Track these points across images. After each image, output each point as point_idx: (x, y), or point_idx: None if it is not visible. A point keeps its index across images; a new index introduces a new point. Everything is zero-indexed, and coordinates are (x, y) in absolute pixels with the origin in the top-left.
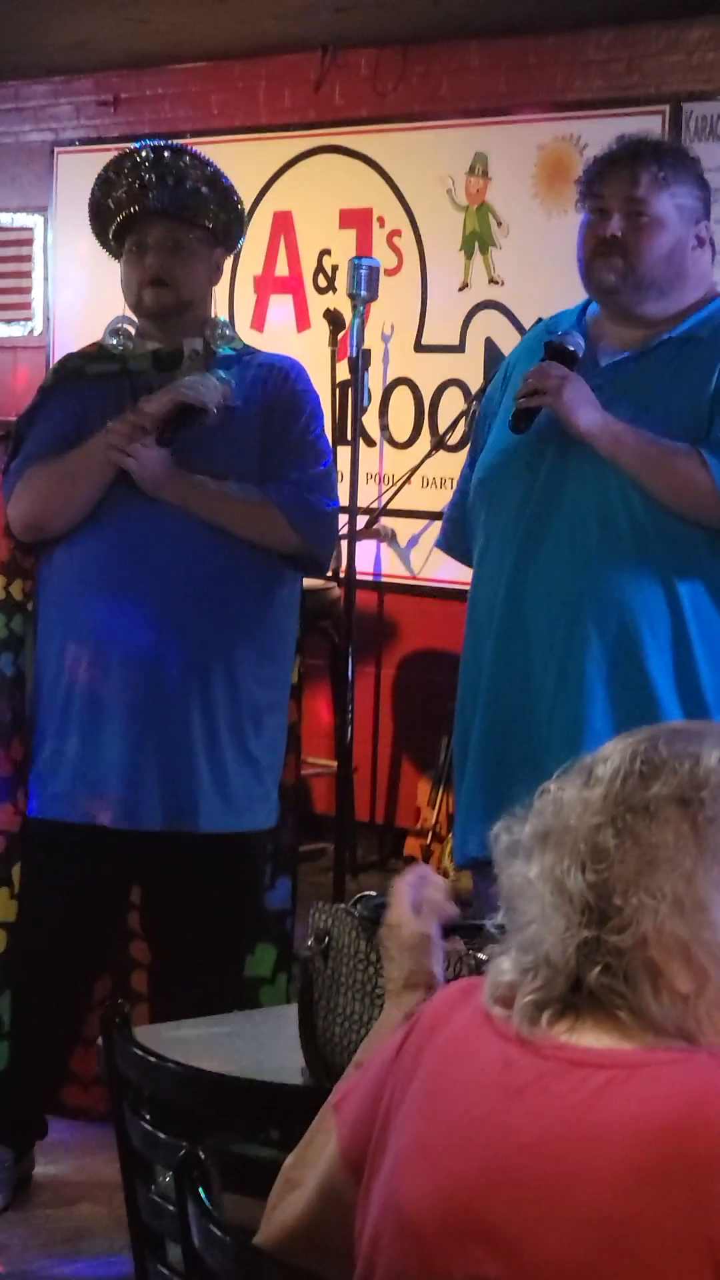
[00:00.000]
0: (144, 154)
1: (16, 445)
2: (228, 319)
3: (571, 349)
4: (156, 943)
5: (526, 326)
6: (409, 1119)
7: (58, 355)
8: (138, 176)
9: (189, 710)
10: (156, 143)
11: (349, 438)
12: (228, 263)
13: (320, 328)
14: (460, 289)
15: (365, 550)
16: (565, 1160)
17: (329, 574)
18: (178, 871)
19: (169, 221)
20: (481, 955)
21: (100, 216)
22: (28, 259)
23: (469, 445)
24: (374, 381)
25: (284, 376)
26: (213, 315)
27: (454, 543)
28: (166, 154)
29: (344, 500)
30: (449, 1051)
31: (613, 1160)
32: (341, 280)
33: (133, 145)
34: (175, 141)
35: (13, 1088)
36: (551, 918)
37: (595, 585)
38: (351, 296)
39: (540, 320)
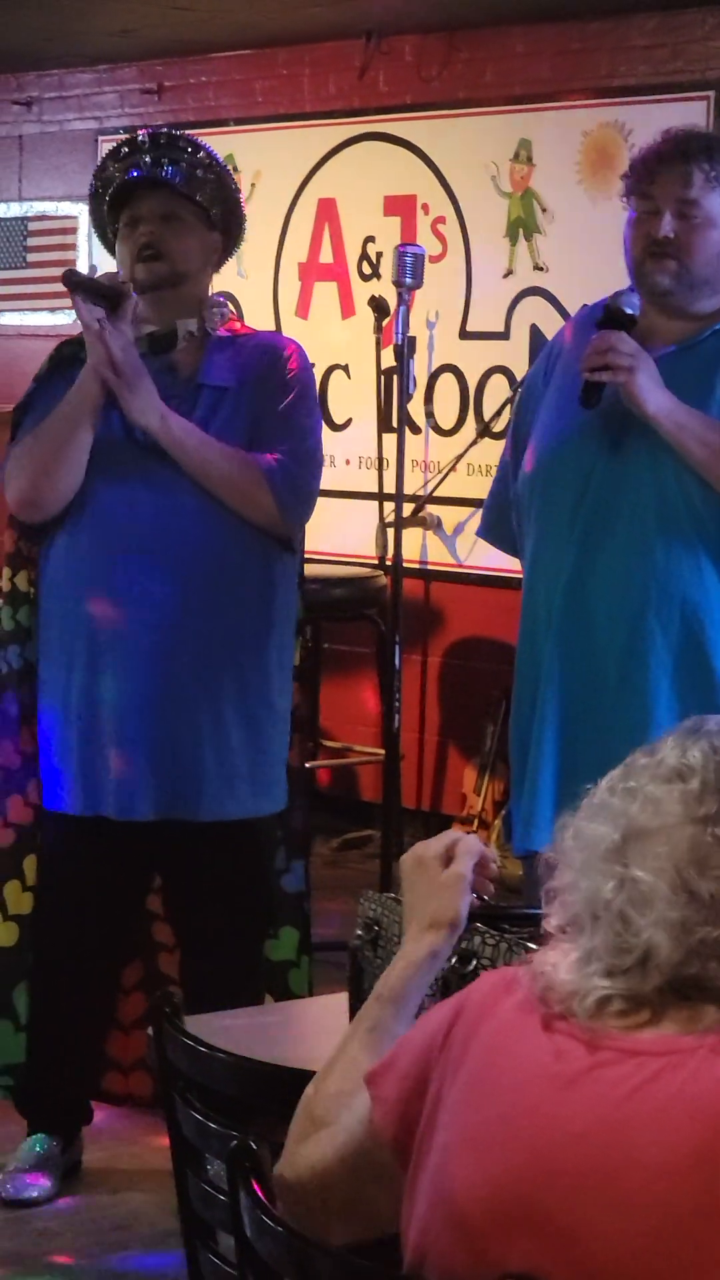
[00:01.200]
0: (142, 138)
1: (14, 432)
2: (222, 300)
3: (630, 312)
4: (180, 930)
5: (571, 312)
6: (458, 1111)
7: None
8: (135, 159)
9: (192, 699)
10: (156, 130)
11: (394, 425)
12: (271, 250)
13: (365, 315)
14: (505, 275)
15: (411, 538)
16: (619, 1146)
17: (376, 561)
18: (192, 859)
19: (162, 193)
20: (532, 945)
21: (98, 199)
22: (72, 247)
23: (510, 430)
24: (419, 368)
25: (276, 355)
26: (209, 296)
27: (495, 530)
28: (164, 139)
29: (389, 488)
30: (496, 1043)
31: (669, 1144)
32: (386, 267)
33: (135, 132)
34: (193, 132)
35: (48, 1077)
36: (667, 916)
37: (657, 579)
38: (396, 284)
39: (585, 306)
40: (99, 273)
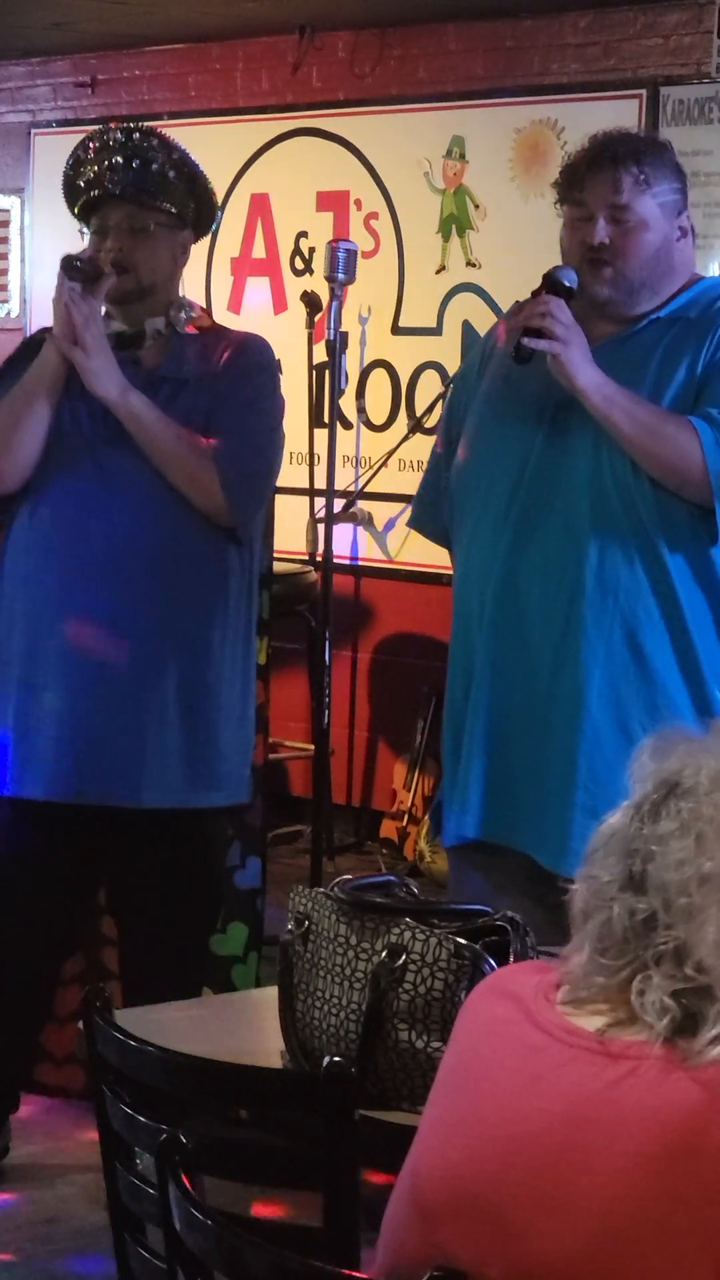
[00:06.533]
0: (114, 135)
1: None
2: (191, 301)
3: (568, 285)
4: (123, 921)
5: (504, 309)
6: (436, 1095)
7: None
8: (107, 158)
9: (134, 684)
10: (128, 124)
11: (326, 420)
12: (204, 245)
13: (297, 310)
14: (437, 271)
15: (342, 533)
16: (572, 1149)
17: (306, 557)
18: (135, 848)
19: (130, 206)
20: (461, 940)
21: (71, 195)
22: (4, 240)
23: (442, 424)
24: (351, 364)
25: (241, 349)
26: (178, 296)
27: (425, 522)
28: (136, 136)
29: (320, 483)
30: (481, 1030)
31: (623, 1151)
32: (319, 263)
33: (109, 125)
34: (149, 124)
35: None
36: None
37: (590, 570)
38: (329, 279)
39: (517, 303)
40: (83, 250)
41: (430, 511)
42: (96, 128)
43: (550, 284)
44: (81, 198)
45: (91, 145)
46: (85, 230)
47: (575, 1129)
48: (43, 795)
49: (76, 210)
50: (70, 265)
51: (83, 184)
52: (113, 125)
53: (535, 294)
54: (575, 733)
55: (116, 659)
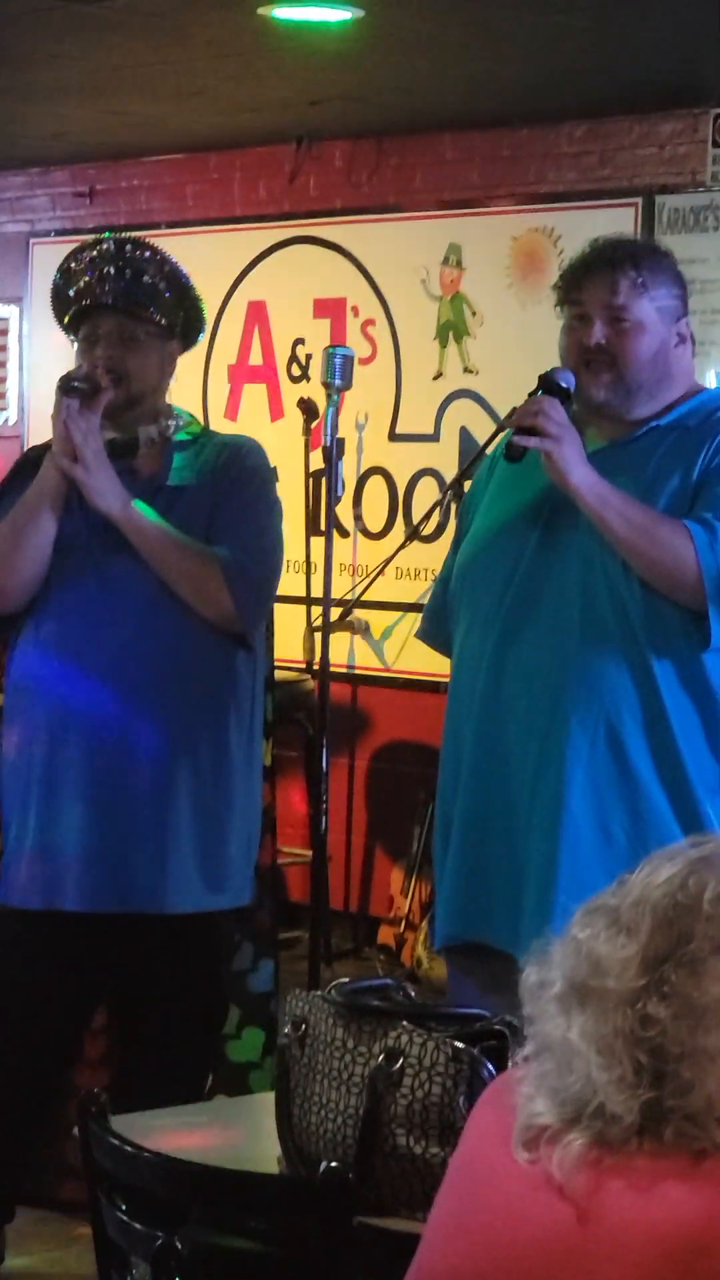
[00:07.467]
0: (104, 246)
1: None
2: (187, 409)
3: (564, 385)
4: (126, 1026)
5: (501, 415)
6: (444, 1195)
7: (32, 445)
8: (97, 268)
9: (148, 788)
10: (119, 236)
11: (322, 528)
12: (200, 352)
13: (294, 417)
14: (434, 378)
15: (339, 642)
16: (572, 1257)
17: (303, 665)
18: (141, 952)
19: (121, 316)
20: (459, 1044)
21: (60, 304)
22: (3, 349)
23: (454, 536)
24: (348, 471)
25: (236, 453)
26: (166, 405)
27: (433, 633)
28: (126, 247)
29: (317, 591)
30: (490, 1136)
31: (624, 1264)
32: (315, 369)
33: (98, 237)
34: (139, 236)
35: None
36: (600, 1077)
37: (576, 668)
38: (325, 385)
39: (514, 408)
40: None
41: (437, 621)
42: (86, 239)
43: (546, 384)
44: (72, 308)
45: (82, 256)
46: (74, 338)
47: (574, 1239)
48: (62, 906)
49: (65, 320)
50: (68, 386)
51: (73, 294)
52: (100, 239)
53: (532, 394)
54: (555, 832)
55: (129, 767)
